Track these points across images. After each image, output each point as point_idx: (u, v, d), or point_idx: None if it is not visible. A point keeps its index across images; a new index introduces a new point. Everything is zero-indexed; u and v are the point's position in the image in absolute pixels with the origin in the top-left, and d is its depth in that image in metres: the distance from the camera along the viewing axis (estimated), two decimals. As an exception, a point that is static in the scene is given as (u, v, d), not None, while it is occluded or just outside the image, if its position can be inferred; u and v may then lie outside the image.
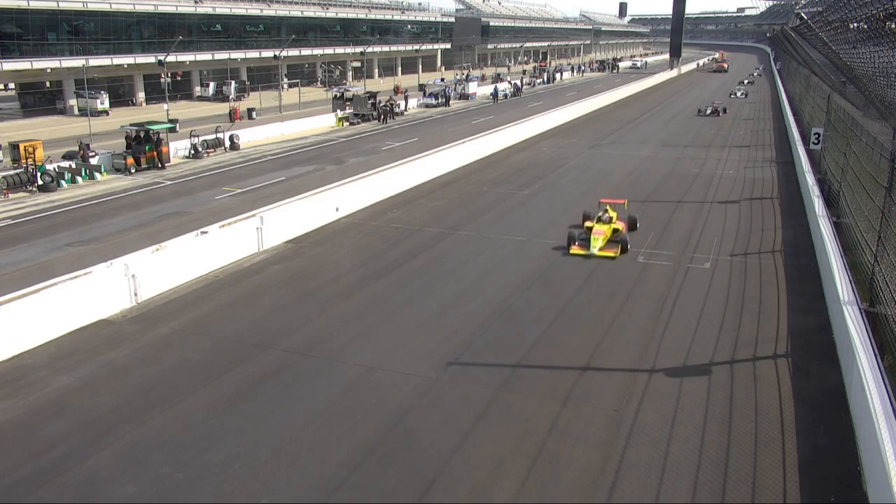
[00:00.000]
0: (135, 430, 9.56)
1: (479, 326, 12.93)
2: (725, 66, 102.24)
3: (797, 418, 9.73)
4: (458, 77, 67.98)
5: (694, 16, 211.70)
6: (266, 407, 10.18)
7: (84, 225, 20.39)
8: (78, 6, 46.46)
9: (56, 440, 9.35)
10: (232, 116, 43.40)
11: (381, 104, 45.12)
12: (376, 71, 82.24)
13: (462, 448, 9.08)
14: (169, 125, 31.75)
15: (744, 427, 9.53)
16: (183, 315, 13.66)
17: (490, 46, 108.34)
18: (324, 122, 43.03)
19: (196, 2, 55.75)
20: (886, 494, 7.13)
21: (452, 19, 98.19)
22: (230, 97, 54.69)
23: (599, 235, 16.88)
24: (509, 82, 67.43)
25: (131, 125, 29.81)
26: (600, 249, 16.65)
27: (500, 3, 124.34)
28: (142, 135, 29.16)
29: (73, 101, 47.75)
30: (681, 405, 10.10)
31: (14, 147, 27.12)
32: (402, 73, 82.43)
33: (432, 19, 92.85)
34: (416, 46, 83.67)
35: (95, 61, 46.93)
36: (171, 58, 47.54)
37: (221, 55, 57.73)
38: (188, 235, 16.02)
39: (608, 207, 18.13)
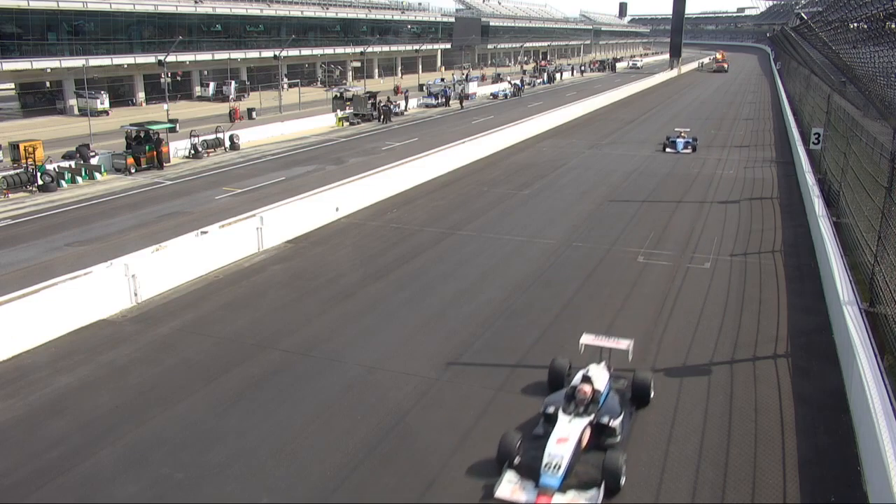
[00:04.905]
0: (135, 430, 9.56)
1: (479, 326, 12.93)
2: (725, 66, 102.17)
3: (797, 418, 9.73)
4: (455, 77, 67.97)
5: (694, 16, 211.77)
6: (266, 407, 10.18)
7: (84, 225, 20.40)
8: (78, 6, 46.46)
9: (56, 440, 9.35)
10: (232, 116, 43.42)
11: (381, 104, 45.15)
12: (376, 71, 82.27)
13: (462, 448, 9.08)
14: (169, 125, 31.76)
15: (744, 427, 9.53)
16: (183, 315, 13.66)
17: (490, 46, 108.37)
18: (324, 122, 43.03)
19: (196, 2, 55.74)
20: (886, 494, 7.13)
21: (452, 19, 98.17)
22: (230, 97, 54.73)
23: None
24: (509, 82, 67.43)
25: (131, 125, 29.80)
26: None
27: (500, 3, 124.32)
28: (142, 135, 29.16)
29: (73, 101, 47.76)
30: (681, 405, 10.09)
31: (14, 147, 27.14)
32: (402, 73, 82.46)
33: (432, 19, 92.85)
34: (416, 46, 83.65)
35: (95, 61, 46.92)
36: (171, 58, 47.52)
37: (221, 55, 57.75)
38: (188, 235, 16.02)
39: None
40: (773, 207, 21.99)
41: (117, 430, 9.57)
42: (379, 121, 44.04)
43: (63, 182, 25.60)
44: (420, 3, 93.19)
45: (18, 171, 25.12)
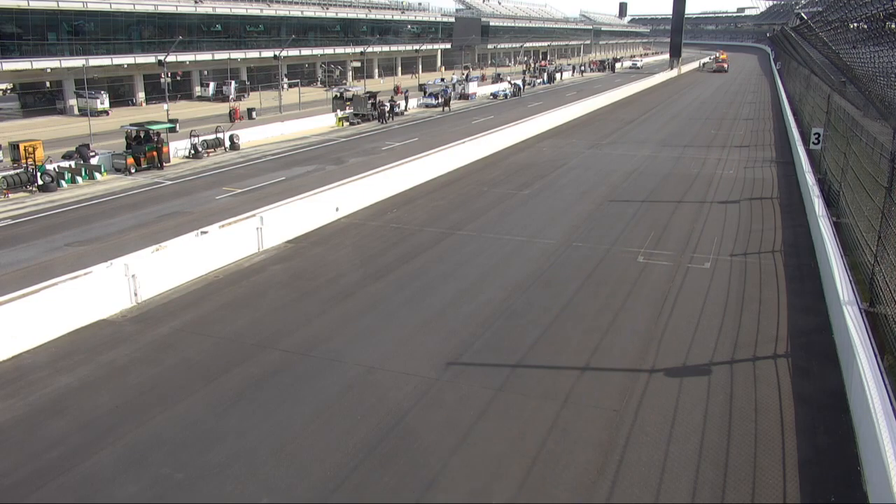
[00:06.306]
0: (135, 430, 9.56)
1: (479, 326, 12.93)
2: (725, 66, 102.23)
3: (797, 418, 9.73)
4: (454, 78, 67.97)
5: (694, 16, 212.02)
6: (266, 407, 10.18)
7: (84, 225, 20.39)
8: (78, 6, 46.47)
9: (56, 440, 9.35)
10: (232, 116, 43.43)
11: (381, 104, 45.16)
12: (376, 71, 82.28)
13: (462, 448, 9.08)
14: (169, 125, 31.75)
15: (744, 427, 9.53)
16: (183, 315, 13.66)
17: (490, 46, 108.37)
18: (324, 122, 43.04)
19: (196, 2, 55.75)
20: (886, 494, 7.13)
21: (452, 19, 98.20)
22: (230, 97, 54.73)
23: None
24: (509, 82, 67.48)
25: (131, 125, 29.81)
26: None
27: (500, 3, 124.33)
28: (142, 135, 29.17)
29: (73, 101, 47.76)
30: (681, 405, 10.10)
31: (14, 147, 27.13)
32: (402, 73, 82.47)
33: (432, 19, 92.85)
34: (416, 46, 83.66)
35: (95, 61, 46.95)
36: (171, 58, 47.54)
37: (221, 55, 57.75)
38: (188, 235, 16.01)
39: None
40: (773, 207, 21.98)
41: (117, 430, 9.57)
42: (379, 121, 44.04)
43: (63, 182, 25.59)
44: (420, 3, 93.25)
45: (18, 171, 25.11)
